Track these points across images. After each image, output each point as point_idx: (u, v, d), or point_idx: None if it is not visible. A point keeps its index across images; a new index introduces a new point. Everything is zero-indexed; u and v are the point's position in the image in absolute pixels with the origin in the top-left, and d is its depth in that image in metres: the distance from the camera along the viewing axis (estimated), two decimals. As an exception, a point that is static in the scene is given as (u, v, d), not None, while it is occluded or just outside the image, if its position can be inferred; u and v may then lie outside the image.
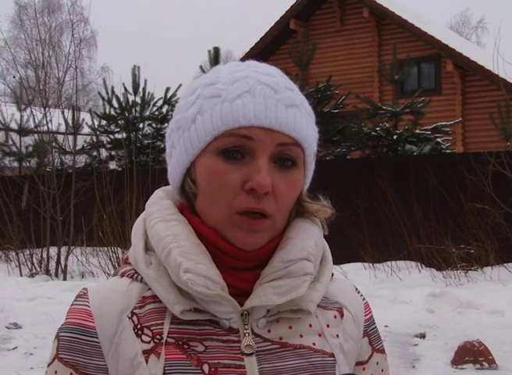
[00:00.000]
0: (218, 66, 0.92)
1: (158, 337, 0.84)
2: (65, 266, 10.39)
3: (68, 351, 0.86)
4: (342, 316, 0.94)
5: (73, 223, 10.48)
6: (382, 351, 1.00)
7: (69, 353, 0.85)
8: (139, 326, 0.85)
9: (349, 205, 9.53)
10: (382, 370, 1.00)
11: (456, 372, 4.99)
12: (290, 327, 0.88)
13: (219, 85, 0.85)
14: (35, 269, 10.71)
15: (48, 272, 10.60)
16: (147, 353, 0.83)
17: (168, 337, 0.84)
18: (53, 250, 10.67)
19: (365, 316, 0.98)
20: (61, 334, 0.87)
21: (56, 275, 10.43)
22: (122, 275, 0.90)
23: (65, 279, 10.16)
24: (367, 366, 0.98)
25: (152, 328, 0.85)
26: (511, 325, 6.30)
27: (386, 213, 9.47)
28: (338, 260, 9.00)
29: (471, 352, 5.10)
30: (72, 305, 0.89)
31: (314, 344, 0.88)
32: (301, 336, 0.88)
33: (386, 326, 6.37)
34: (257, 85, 0.85)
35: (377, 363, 0.99)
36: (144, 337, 0.84)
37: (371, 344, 0.98)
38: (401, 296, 7.31)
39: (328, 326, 0.91)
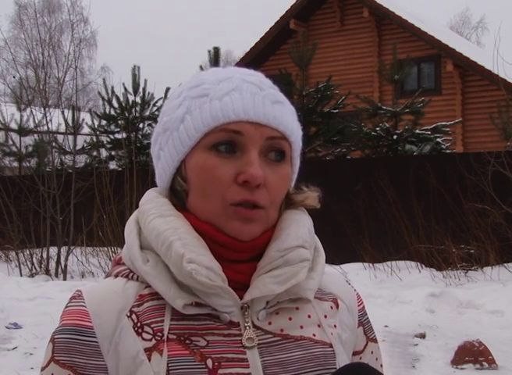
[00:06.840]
0: (200, 72, 0.95)
1: (159, 334, 0.84)
2: (65, 266, 10.38)
3: (65, 352, 0.85)
4: (337, 306, 0.96)
5: (73, 223, 10.46)
6: (376, 340, 1.03)
7: (66, 354, 0.85)
8: (139, 325, 0.85)
9: (349, 205, 9.53)
10: (377, 359, 1.02)
11: (456, 372, 4.99)
12: (290, 319, 0.89)
13: (205, 85, 0.88)
14: (35, 269, 10.70)
15: (47, 272, 10.59)
16: (148, 351, 0.83)
17: (169, 333, 0.84)
18: (53, 250, 10.65)
19: (358, 306, 1.00)
20: (56, 337, 0.86)
21: (56, 275, 10.42)
22: (116, 275, 0.91)
23: (65, 279, 10.15)
24: (363, 355, 1.00)
25: (153, 326, 0.85)
26: (511, 325, 6.30)
27: (386, 213, 9.46)
28: (338, 260, 9.03)
29: (471, 352, 5.09)
30: (66, 307, 0.89)
31: (314, 335, 0.89)
32: (301, 327, 0.89)
33: (386, 326, 6.36)
34: (242, 83, 0.88)
35: (372, 352, 1.01)
36: (145, 335, 0.84)
37: (366, 333, 1.00)
38: (401, 296, 7.30)
39: (325, 316, 0.93)
